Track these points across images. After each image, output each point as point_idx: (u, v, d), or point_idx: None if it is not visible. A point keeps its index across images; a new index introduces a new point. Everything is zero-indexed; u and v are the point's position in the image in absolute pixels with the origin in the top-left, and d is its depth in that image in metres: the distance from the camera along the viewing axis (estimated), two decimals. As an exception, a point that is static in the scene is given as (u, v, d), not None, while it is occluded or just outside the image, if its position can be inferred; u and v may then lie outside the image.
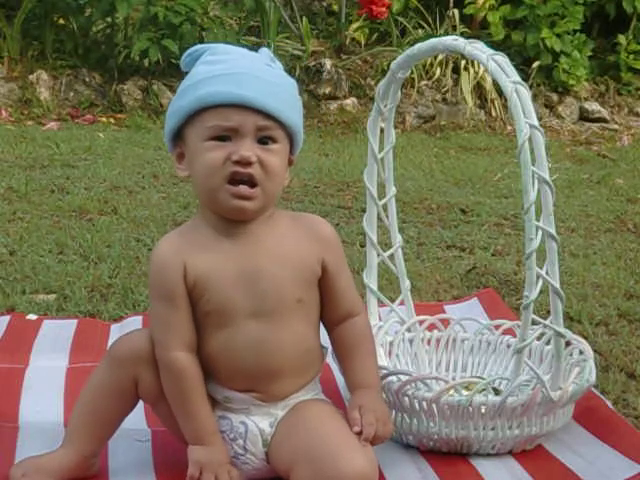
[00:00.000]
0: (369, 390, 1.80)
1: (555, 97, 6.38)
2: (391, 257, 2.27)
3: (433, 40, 2.04)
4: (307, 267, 1.79)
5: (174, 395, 1.77)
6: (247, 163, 1.71)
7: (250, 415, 1.79)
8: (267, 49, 1.83)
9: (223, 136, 1.72)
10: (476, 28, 6.50)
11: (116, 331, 2.46)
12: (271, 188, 1.75)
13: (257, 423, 1.79)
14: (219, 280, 1.76)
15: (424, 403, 1.91)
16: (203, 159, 1.73)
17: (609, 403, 2.13)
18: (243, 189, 1.72)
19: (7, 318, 2.60)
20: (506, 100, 1.89)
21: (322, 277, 1.81)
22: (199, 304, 1.76)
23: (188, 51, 1.82)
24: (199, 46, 1.82)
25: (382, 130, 2.20)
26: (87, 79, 6.01)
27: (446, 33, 6.21)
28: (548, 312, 1.91)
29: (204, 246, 1.77)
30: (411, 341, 2.31)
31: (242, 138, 1.72)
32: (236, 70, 1.73)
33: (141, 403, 1.84)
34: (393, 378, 1.94)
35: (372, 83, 6.12)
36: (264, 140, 1.73)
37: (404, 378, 1.93)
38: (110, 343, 2.07)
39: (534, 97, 6.02)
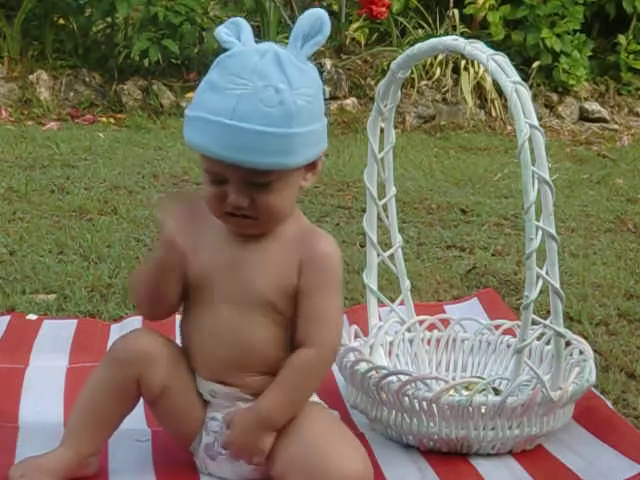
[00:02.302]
0: (252, 412, 1.73)
1: (555, 97, 6.38)
2: (391, 257, 2.28)
3: (433, 40, 2.04)
4: (287, 276, 1.75)
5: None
6: (239, 208, 1.70)
7: None
8: (282, 52, 1.68)
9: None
10: (476, 28, 6.50)
11: (116, 331, 2.46)
12: (270, 219, 1.73)
13: None
14: (204, 256, 1.78)
15: (424, 403, 1.91)
16: (205, 188, 1.73)
17: (609, 403, 2.13)
18: (240, 223, 1.73)
19: (7, 318, 2.60)
20: (506, 100, 1.89)
21: (297, 287, 1.75)
22: (186, 275, 1.79)
23: (220, 39, 1.72)
24: (225, 39, 1.72)
25: (382, 130, 2.20)
26: (87, 79, 6.00)
27: (446, 33, 6.20)
28: (548, 312, 1.92)
29: (204, 225, 1.79)
30: (411, 341, 2.31)
31: (233, 184, 1.68)
32: (222, 117, 1.63)
33: (141, 403, 1.84)
34: (393, 378, 1.94)
35: (372, 83, 6.12)
36: (257, 184, 1.69)
37: (404, 378, 1.93)
38: (110, 343, 2.07)
39: (534, 97, 6.02)
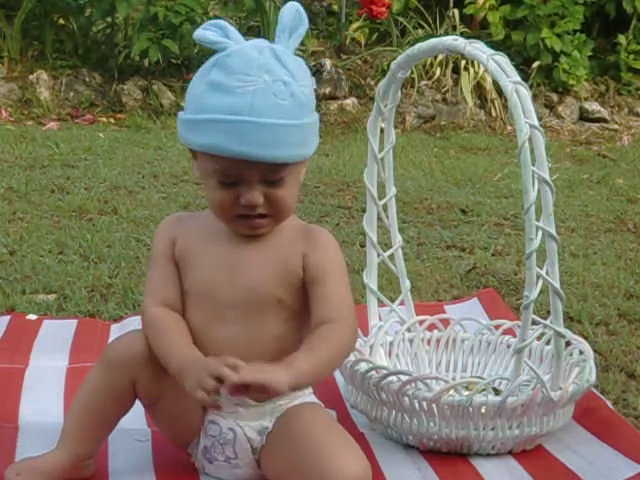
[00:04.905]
0: (278, 364, 1.67)
1: (555, 97, 6.38)
2: (391, 257, 2.28)
3: (433, 40, 2.04)
4: (291, 269, 1.76)
5: (155, 345, 1.75)
6: (254, 206, 1.70)
7: (239, 420, 1.78)
8: (275, 46, 1.70)
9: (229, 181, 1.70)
10: (476, 28, 6.50)
11: (116, 331, 2.46)
12: (282, 214, 1.75)
13: (245, 432, 1.78)
14: (202, 262, 1.78)
15: (424, 403, 1.91)
16: (212, 194, 1.72)
17: (609, 403, 2.13)
18: (253, 223, 1.73)
19: (7, 318, 2.60)
20: (506, 100, 1.89)
21: (304, 279, 1.76)
22: (184, 281, 1.79)
23: (208, 41, 1.71)
24: (216, 39, 1.71)
25: (382, 130, 2.20)
26: (87, 79, 6.01)
27: (446, 33, 6.21)
28: (548, 312, 1.92)
29: (199, 229, 1.80)
30: (411, 341, 2.31)
31: (248, 183, 1.69)
32: (241, 115, 1.64)
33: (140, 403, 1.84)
34: (393, 378, 1.94)
35: (372, 83, 6.12)
36: (272, 181, 1.70)
37: (404, 378, 1.93)
38: (110, 343, 2.07)
39: (534, 97, 6.02)
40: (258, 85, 1.65)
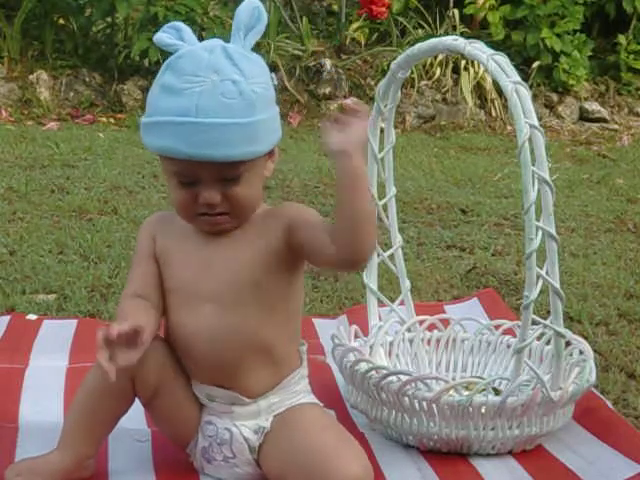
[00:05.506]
0: None
1: (555, 97, 6.38)
2: (391, 257, 2.28)
3: (433, 40, 2.04)
4: (268, 248, 1.74)
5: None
6: (213, 205, 1.71)
7: (235, 420, 1.79)
8: (228, 45, 1.71)
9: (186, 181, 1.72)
10: (476, 28, 6.50)
11: (116, 331, 2.46)
12: (244, 211, 1.75)
13: (242, 431, 1.78)
14: (179, 259, 1.78)
15: (424, 403, 1.91)
16: (173, 194, 1.75)
17: (609, 403, 2.13)
18: (214, 220, 1.74)
19: (7, 318, 2.60)
20: (506, 100, 1.89)
21: (294, 237, 1.71)
22: (164, 279, 1.80)
23: (164, 43, 1.77)
24: (170, 42, 1.77)
25: (382, 130, 2.20)
26: (87, 79, 6.00)
27: (446, 33, 6.20)
28: (548, 312, 1.92)
29: (176, 228, 1.81)
30: (411, 341, 2.31)
31: (205, 182, 1.70)
32: (188, 117, 1.65)
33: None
34: (393, 378, 1.94)
35: (372, 83, 6.12)
36: (229, 178, 1.70)
37: (404, 378, 1.93)
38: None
39: (534, 97, 6.02)
40: (205, 86, 1.67)
